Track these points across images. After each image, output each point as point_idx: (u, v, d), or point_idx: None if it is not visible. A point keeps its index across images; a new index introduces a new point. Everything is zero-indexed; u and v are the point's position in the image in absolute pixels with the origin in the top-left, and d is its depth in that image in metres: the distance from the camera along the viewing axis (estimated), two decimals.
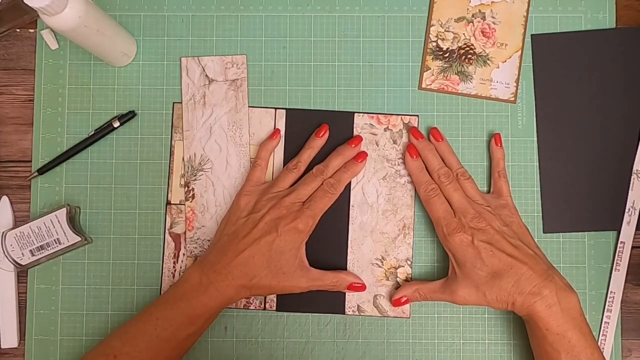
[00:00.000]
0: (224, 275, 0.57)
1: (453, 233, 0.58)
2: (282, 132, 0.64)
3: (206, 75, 0.64)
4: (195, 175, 0.64)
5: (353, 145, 0.62)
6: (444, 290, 0.59)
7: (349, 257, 0.63)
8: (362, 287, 0.61)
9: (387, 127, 0.64)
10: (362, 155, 0.62)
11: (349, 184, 0.63)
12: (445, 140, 0.63)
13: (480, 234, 0.57)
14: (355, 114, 0.64)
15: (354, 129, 0.64)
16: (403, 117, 0.64)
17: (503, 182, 0.62)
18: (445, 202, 0.60)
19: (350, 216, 0.64)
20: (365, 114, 0.64)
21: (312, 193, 0.60)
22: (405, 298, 0.61)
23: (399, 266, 0.63)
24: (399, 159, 0.64)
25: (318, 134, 0.63)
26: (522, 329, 0.62)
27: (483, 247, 0.57)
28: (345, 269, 0.63)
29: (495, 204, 0.61)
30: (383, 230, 0.63)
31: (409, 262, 0.63)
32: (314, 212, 0.59)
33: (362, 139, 0.63)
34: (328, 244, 0.63)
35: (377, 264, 0.63)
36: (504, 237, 0.58)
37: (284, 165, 0.63)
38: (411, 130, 0.63)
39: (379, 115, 0.64)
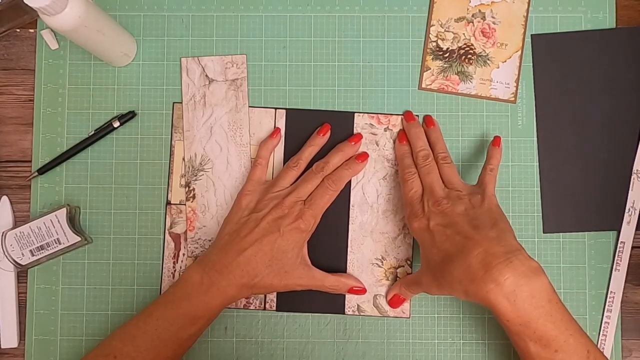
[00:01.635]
0: (226, 274, 0.57)
1: (412, 218, 0.57)
2: (282, 132, 0.64)
3: (206, 76, 0.64)
4: (196, 175, 0.64)
5: (353, 143, 0.62)
6: (416, 281, 0.58)
7: (349, 257, 0.63)
8: (362, 291, 0.62)
9: (387, 127, 0.64)
10: (363, 156, 0.62)
11: (349, 183, 0.63)
12: (436, 127, 0.63)
13: (437, 217, 0.55)
14: (356, 114, 0.64)
15: (354, 129, 0.64)
16: (403, 117, 0.64)
17: (490, 176, 0.58)
18: (417, 185, 0.58)
19: (350, 216, 0.64)
20: (366, 114, 0.64)
21: (313, 191, 0.60)
22: (401, 297, 0.61)
23: (399, 266, 0.63)
24: None
25: (320, 132, 0.63)
26: None
27: (437, 231, 0.54)
28: (345, 268, 0.63)
29: (470, 191, 0.57)
30: (383, 230, 0.63)
31: (408, 262, 0.63)
32: (315, 212, 0.59)
33: (362, 137, 0.63)
34: (328, 244, 0.63)
35: (377, 263, 0.63)
36: (465, 219, 0.53)
37: (285, 165, 0.63)
38: (405, 113, 0.63)
39: (379, 115, 0.64)
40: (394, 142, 0.63)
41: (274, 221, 0.58)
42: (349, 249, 0.63)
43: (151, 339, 0.55)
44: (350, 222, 0.63)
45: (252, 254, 0.57)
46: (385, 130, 0.64)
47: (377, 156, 0.64)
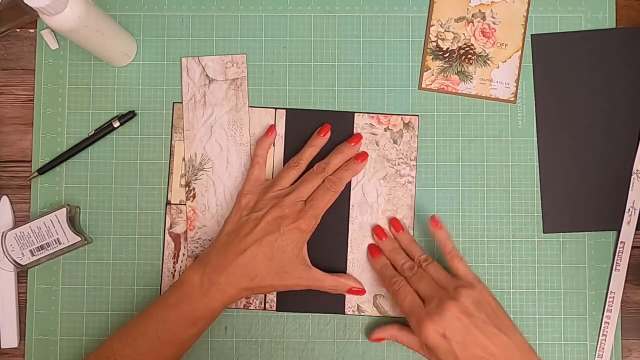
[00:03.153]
0: (226, 275, 0.56)
1: (423, 327, 0.55)
2: (282, 132, 0.64)
3: (206, 75, 0.64)
4: (196, 175, 0.64)
5: (353, 144, 0.62)
6: (409, 345, 0.59)
7: (348, 257, 0.63)
8: (361, 291, 0.62)
9: (387, 127, 0.64)
10: (363, 156, 0.62)
11: (349, 183, 0.63)
12: (405, 231, 0.62)
13: (452, 325, 0.54)
14: (356, 114, 0.64)
15: (354, 129, 0.64)
16: (403, 116, 0.64)
17: (457, 262, 0.58)
18: (411, 293, 0.57)
19: (350, 216, 0.63)
20: (366, 114, 0.64)
21: (314, 191, 0.60)
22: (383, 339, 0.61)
23: None
24: (399, 159, 0.64)
25: (320, 133, 0.63)
26: (523, 330, 0.62)
27: (455, 342, 0.54)
28: (345, 269, 0.63)
29: (457, 284, 0.57)
30: None
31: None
32: (316, 212, 0.59)
33: (362, 137, 0.63)
34: (328, 244, 0.63)
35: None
36: (477, 326, 0.54)
37: (285, 165, 0.63)
38: (374, 229, 0.63)
39: (379, 115, 0.64)
40: (393, 141, 0.64)
41: (274, 221, 0.58)
42: (349, 249, 0.63)
43: (151, 340, 0.55)
44: (350, 222, 0.63)
45: (252, 255, 0.57)
46: (385, 130, 0.64)
47: (377, 156, 0.64)
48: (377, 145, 0.64)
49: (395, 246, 0.62)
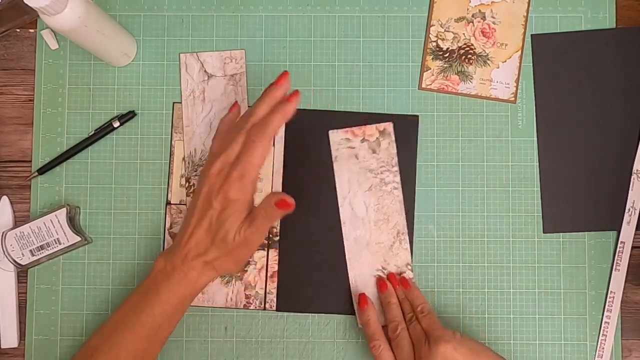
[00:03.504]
0: (182, 258, 0.55)
1: None
2: (282, 132, 0.64)
3: (205, 71, 0.64)
4: (196, 171, 0.64)
5: (279, 85, 0.55)
6: None
7: (350, 274, 0.63)
8: (288, 204, 0.53)
9: (364, 137, 0.63)
10: (294, 95, 0.54)
11: (336, 200, 0.63)
12: (413, 286, 0.62)
13: None
14: (330, 132, 0.63)
15: (331, 147, 0.63)
16: (377, 125, 0.63)
17: (422, 319, 0.59)
18: (386, 357, 0.58)
19: (343, 233, 0.63)
20: (339, 130, 0.63)
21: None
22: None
23: (401, 272, 0.63)
24: (380, 167, 0.63)
25: (277, 82, 0.55)
26: (523, 330, 0.62)
27: None
28: (348, 286, 0.63)
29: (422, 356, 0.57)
30: (378, 241, 0.63)
31: (409, 267, 0.63)
32: (240, 173, 0.52)
33: (288, 74, 0.55)
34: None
35: (378, 274, 0.63)
36: None
37: (284, 169, 0.63)
38: (377, 280, 0.63)
39: (353, 128, 0.63)
40: (372, 150, 0.62)
41: (205, 196, 0.54)
42: (348, 266, 0.63)
43: (121, 332, 0.54)
44: (344, 239, 0.63)
45: (197, 235, 0.55)
46: (362, 141, 0.63)
47: (359, 169, 0.63)
48: (357, 159, 0.63)
49: (392, 301, 0.61)
